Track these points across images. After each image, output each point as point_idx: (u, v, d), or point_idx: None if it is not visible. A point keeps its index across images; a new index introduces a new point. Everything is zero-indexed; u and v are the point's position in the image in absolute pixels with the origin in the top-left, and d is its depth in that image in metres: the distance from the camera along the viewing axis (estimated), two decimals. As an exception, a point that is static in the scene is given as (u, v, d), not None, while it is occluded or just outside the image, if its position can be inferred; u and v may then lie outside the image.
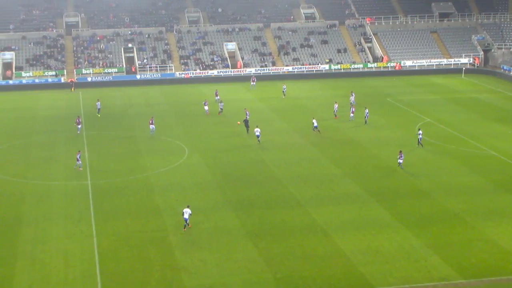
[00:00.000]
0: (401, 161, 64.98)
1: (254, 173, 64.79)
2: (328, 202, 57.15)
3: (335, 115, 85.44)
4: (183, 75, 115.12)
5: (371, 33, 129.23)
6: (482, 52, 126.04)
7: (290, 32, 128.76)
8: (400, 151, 65.47)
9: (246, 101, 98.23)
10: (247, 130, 77.74)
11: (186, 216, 50.88)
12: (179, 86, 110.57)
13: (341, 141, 75.67)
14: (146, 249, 47.92)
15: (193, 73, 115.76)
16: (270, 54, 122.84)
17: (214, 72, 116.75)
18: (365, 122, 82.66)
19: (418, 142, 71.92)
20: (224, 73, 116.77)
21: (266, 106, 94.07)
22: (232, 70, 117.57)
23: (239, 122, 71.21)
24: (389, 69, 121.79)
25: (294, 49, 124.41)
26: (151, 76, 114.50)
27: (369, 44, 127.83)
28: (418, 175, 63.94)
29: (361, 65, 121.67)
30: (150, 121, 77.52)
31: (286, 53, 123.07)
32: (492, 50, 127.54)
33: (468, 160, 68.60)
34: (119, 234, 50.43)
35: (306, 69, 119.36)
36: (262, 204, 56.46)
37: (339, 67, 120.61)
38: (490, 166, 66.57)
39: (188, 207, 51.60)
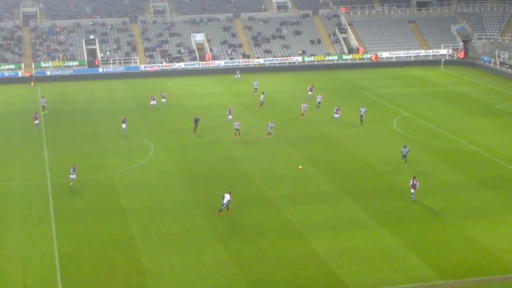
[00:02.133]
0: (413, 190, 56.85)
1: (224, 171, 64.71)
2: (302, 201, 57.26)
3: (302, 115, 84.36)
4: (148, 68, 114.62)
5: (346, 23, 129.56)
6: (461, 43, 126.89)
7: (261, 23, 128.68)
8: (414, 177, 57.31)
9: (215, 95, 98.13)
10: (195, 129, 77.56)
11: (225, 201, 53.42)
12: (144, 80, 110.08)
13: (316, 138, 75.82)
14: (110, 252, 47.68)
15: (159, 66, 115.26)
16: (240, 45, 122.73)
17: (181, 65, 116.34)
18: (361, 121, 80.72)
19: (403, 157, 65.75)
20: (192, 66, 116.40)
21: (237, 101, 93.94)
22: (200, 62, 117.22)
23: (301, 167, 63.95)
24: (365, 61, 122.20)
25: (265, 40, 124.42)
26: (114, 69, 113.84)
27: (344, 35, 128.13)
28: (396, 172, 64.29)
29: (335, 57, 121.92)
30: (123, 120, 76.95)
31: (257, 45, 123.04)
32: (472, 41, 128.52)
33: (448, 156, 69.10)
34: (81, 237, 50.10)
35: (278, 61, 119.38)
36: (233, 204, 56.32)
37: (312, 59, 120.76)
38: (470, 162, 67.12)
39: (230, 193, 54.07)
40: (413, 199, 56.21)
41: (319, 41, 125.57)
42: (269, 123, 75.21)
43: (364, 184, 61.06)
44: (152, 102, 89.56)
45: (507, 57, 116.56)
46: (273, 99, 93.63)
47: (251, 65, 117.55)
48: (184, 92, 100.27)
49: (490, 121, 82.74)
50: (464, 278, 44.27)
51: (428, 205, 55.98)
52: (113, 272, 44.85)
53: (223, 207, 53.98)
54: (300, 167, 61.28)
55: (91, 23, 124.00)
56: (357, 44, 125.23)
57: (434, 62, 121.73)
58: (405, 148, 65.58)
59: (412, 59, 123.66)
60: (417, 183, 56.20)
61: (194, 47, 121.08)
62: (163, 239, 49.71)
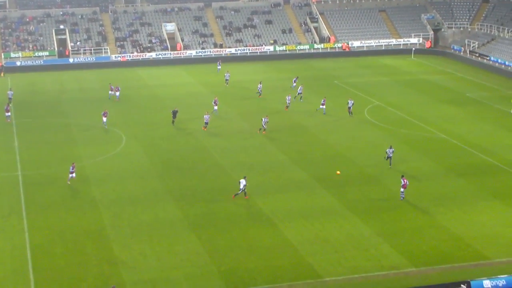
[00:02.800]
0: (403, 190, 55.34)
1: (196, 161, 64.67)
2: (274, 190, 57.40)
3: (287, 107, 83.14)
4: (119, 58, 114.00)
5: (318, 13, 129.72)
6: (432, 32, 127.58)
7: (232, 12, 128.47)
8: (403, 176, 55.91)
9: (187, 85, 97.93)
10: (173, 121, 76.36)
11: (241, 186, 54.36)
12: (115, 70, 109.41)
13: (288, 127, 75.94)
14: (82, 243, 47.51)
15: (130, 56, 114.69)
16: (211, 35, 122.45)
17: (153, 55, 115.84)
18: (350, 113, 79.47)
19: (387, 158, 62.42)
20: (163, 56, 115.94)
21: (208, 90, 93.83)
22: (172, 52, 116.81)
23: (338, 172, 60.40)
24: (337, 50, 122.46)
25: (237, 30, 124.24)
26: (85, 59, 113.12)
27: (316, 24, 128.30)
28: (368, 160, 64.60)
29: (307, 46, 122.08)
30: (103, 113, 75.71)
31: (229, 34, 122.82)
32: (442, 30, 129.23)
33: (419, 144, 69.55)
34: (52, 228, 49.87)
35: (250, 51, 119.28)
36: (205, 193, 56.41)
37: (284, 49, 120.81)
38: (441, 150, 67.61)
39: (245, 178, 54.96)
40: (402, 197, 54.78)
41: (290, 31, 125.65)
42: (263, 118, 72.87)
43: (335, 173, 61.21)
44: (110, 92, 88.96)
45: (476, 45, 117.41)
46: (245, 90, 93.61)
47: (223, 55, 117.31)
48: (156, 82, 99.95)
49: (460, 110, 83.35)
50: (435, 265, 44.65)
51: (399, 193, 56.21)
52: (85, 262, 44.69)
53: (239, 192, 54.76)
54: (338, 172, 59.21)
55: (61, 13, 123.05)
56: (328, 33, 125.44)
57: (405, 51, 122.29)
58: (390, 148, 62.38)
59: (383, 48, 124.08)
60: (407, 182, 54.79)
61: (165, 36, 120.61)
62: (135, 229, 49.61)
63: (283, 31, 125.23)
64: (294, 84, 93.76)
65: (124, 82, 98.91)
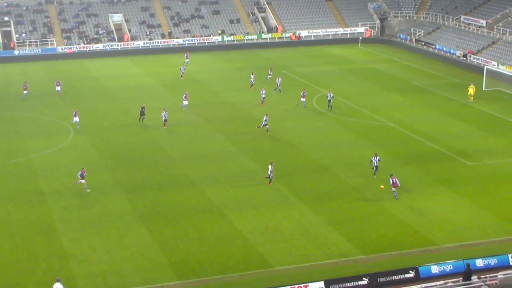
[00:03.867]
0: (394, 189, 53.67)
1: (145, 152, 64.37)
2: (224, 180, 57.43)
3: (262, 102, 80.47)
4: (65, 50, 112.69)
5: (265, 3, 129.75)
6: (378, 21, 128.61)
7: (180, 2, 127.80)
8: (392, 175, 54.28)
9: (135, 76, 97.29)
10: (140, 118, 73.71)
11: (269, 172, 55.40)
12: (62, 62, 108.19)
13: (236, 117, 75.98)
14: (30, 237, 47.01)
15: (76, 48, 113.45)
16: (159, 26, 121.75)
17: (100, 46, 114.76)
18: (329, 107, 77.88)
19: (374, 168, 57.89)
20: (110, 47, 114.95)
21: (156, 82, 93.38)
22: (119, 43, 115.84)
23: (382, 187, 55.00)
24: (284, 40, 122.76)
25: (184, 20, 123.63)
26: (30, 51, 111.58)
27: (263, 14, 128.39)
28: (317, 149, 64.98)
29: (255, 36, 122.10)
30: (74, 113, 72.11)
31: (176, 25, 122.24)
32: (388, 19, 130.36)
33: (367, 132, 70.16)
34: (0, 222, 49.20)
35: (198, 41, 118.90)
36: (155, 185, 56.22)
37: (232, 39, 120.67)
38: (389, 138, 68.31)
39: (271, 164, 55.71)
40: (396, 197, 53.27)
41: (238, 21, 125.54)
42: (265, 117, 69.47)
43: (285, 162, 61.50)
44: (58, 88, 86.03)
45: (422, 34, 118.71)
46: (193, 81, 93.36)
47: (171, 46, 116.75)
48: (103, 74, 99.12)
49: (407, 98, 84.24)
50: (384, 252, 45.17)
51: (348, 181, 56.82)
52: (34, 257, 44.23)
53: (271, 178, 55.81)
54: (381, 187, 54.96)
55: (5, 4, 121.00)
56: (276, 23, 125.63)
57: (352, 40, 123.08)
58: (376, 157, 57.89)
59: (331, 37, 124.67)
60: (396, 180, 53.29)
61: (112, 28, 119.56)
62: (84, 223, 49.23)
63: (231, 21, 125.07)
64: (270, 76, 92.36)
65: (71, 74, 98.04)
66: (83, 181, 54.33)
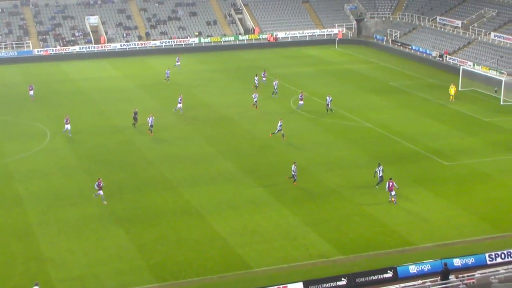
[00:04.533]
0: (393, 193, 52.89)
1: (122, 155, 64.12)
2: (202, 182, 57.33)
3: (256, 106, 79.52)
4: (42, 52, 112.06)
5: (242, 4, 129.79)
6: (354, 22, 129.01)
7: (156, 4, 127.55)
8: (390, 179, 53.43)
9: (112, 78, 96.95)
10: (134, 124, 72.42)
11: (293, 169, 55.72)
12: (38, 64, 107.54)
13: (214, 118, 75.90)
14: (7, 241, 46.67)
15: (53, 50, 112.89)
16: (136, 27, 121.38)
17: (76, 48, 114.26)
18: (328, 109, 77.49)
19: (379, 178, 55.56)
20: (87, 49, 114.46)
21: (133, 84, 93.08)
22: (96, 45, 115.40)
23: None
24: (262, 41, 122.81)
25: (161, 22, 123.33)
26: (6, 54, 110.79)
27: (240, 16, 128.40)
28: (295, 150, 65.01)
29: (232, 38, 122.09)
30: (66, 120, 70.15)
31: (153, 27, 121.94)
32: (365, 20, 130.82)
33: (344, 133, 70.32)
34: (-23, 227, 48.92)
35: (175, 43, 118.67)
36: (133, 187, 56.02)
37: (209, 40, 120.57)
38: (366, 139, 68.49)
39: (294, 163, 56.04)
40: (394, 202, 52.37)
41: (215, 22, 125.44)
42: (279, 122, 67.87)
43: (263, 163, 61.53)
44: (31, 93, 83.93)
45: (398, 35, 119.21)
46: (171, 82, 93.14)
47: (148, 47, 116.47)
48: (80, 76, 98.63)
49: (384, 98, 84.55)
50: (362, 252, 45.24)
51: (326, 182, 56.90)
52: (11, 261, 43.91)
53: (295, 177, 55.95)
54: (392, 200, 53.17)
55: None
56: (253, 25, 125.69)
57: (329, 41, 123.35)
58: (379, 166, 55.88)
59: (308, 38, 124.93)
60: (393, 184, 52.39)
61: (89, 30, 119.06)
62: (62, 226, 48.94)
63: (208, 23, 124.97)
64: (264, 78, 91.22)
65: (47, 77, 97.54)
66: (101, 192, 52.51)
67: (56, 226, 48.90)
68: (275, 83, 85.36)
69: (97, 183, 52.59)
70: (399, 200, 53.01)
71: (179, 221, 49.74)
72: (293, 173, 56.13)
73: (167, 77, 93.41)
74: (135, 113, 72.21)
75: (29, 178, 58.24)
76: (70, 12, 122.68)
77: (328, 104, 77.76)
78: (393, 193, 52.69)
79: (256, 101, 79.30)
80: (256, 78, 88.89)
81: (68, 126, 69.19)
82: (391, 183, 52.62)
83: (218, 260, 44.28)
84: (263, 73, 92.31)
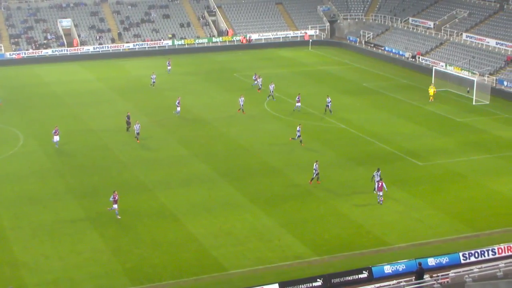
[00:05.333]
0: (381, 193, 53.15)
1: (97, 158, 63.81)
2: (177, 184, 57.23)
3: (242, 110, 78.53)
4: (14, 56, 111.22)
5: (215, 6, 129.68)
6: (328, 23, 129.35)
7: (129, 7, 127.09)
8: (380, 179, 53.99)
9: (86, 81, 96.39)
10: (127, 128, 71.61)
11: (315, 167, 56.15)
12: (10, 68, 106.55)
13: (189, 120, 75.75)
14: (-20, 246, 46.36)
15: (25, 53, 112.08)
16: (109, 30, 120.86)
17: (49, 52, 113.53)
18: (328, 111, 77.68)
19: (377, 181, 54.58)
20: (60, 52, 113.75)
21: (107, 86, 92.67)
22: (68, 48, 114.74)
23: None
24: (235, 43, 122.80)
25: (134, 25, 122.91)
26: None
27: (213, 18, 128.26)
28: (269, 152, 65.05)
29: (205, 40, 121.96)
30: (54, 131, 66.55)
31: (126, 29, 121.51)
32: (338, 21, 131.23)
33: (318, 134, 70.48)
34: (-51, 232, 48.45)
35: (148, 46, 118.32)
36: (107, 190, 55.57)
37: (182, 43, 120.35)
38: (340, 140, 68.72)
39: (316, 162, 56.45)
40: (381, 202, 52.74)
41: (188, 24, 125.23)
42: (298, 127, 67.28)
43: (238, 165, 61.55)
44: None
45: (371, 36, 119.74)
46: (144, 85, 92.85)
47: (121, 50, 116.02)
48: (53, 79, 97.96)
49: (357, 99, 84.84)
50: (338, 253, 45.39)
51: (300, 183, 57.00)
52: (-15, 266, 43.65)
53: (314, 176, 56.21)
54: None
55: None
56: (227, 27, 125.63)
57: (302, 43, 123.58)
58: (378, 171, 55.28)
59: (281, 40, 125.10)
60: (382, 185, 52.67)
61: (62, 33, 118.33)
62: (36, 230, 48.60)
63: (181, 25, 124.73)
64: (255, 82, 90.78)
65: (20, 80, 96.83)
66: (116, 206, 50.53)
67: (30, 230, 48.56)
68: (271, 87, 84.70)
69: (112, 196, 50.56)
70: (374, 200, 53.28)
71: (154, 223, 49.59)
72: (315, 171, 56.41)
73: (153, 82, 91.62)
74: (128, 117, 71.60)
75: (2, 182, 57.74)
76: (42, 15, 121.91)
77: (327, 105, 77.97)
78: (380, 193, 52.82)
79: (242, 105, 78.41)
80: (260, 79, 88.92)
81: (56, 138, 66.15)
82: (380, 184, 52.81)
83: (193, 262, 44.23)
84: (254, 76, 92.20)
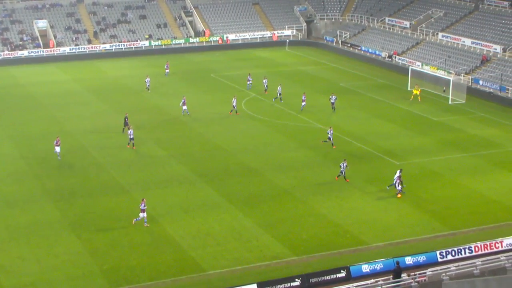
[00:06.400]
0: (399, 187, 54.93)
1: (73, 160, 63.47)
2: (154, 186, 57.05)
3: (236, 111, 78.17)
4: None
5: (192, 7, 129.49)
6: (304, 24, 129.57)
7: (105, 8, 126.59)
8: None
9: (62, 83, 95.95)
10: (124, 129, 70.66)
11: (342, 168, 56.69)
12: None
13: (166, 121, 75.58)
14: (-44, 249, 45.96)
15: (0, 55, 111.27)
16: (85, 31, 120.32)
17: (25, 53, 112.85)
18: (333, 109, 78.92)
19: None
20: (36, 54, 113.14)
21: (83, 88, 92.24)
22: (45, 50, 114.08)
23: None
24: (212, 44, 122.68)
25: (111, 26, 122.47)
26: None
27: (190, 18, 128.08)
28: (246, 152, 65.06)
29: (182, 40, 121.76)
30: (56, 142, 63.77)
31: (103, 30, 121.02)
32: (315, 21, 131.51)
33: (295, 134, 70.55)
34: None
35: (125, 46, 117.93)
36: (84, 192, 55.50)
37: (159, 43, 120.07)
38: (317, 140, 68.69)
39: (344, 160, 57.17)
40: (400, 190, 54.73)
41: (165, 25, 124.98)
42: (329, 130, 66.67)
43: (215, 166, 61.45)
44: None
45: (348, 36, 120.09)
46: (121, 86, 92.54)
47: (97, 51, 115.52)
48: (29, 81, 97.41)
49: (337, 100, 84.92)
50: (316, 253, 45.45)
51: (278, 183, 57.04)
52: (-39, 269, 43.27)
53: (340, 174, 56.90)
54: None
55: None
56: (203, 27, 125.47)
57: (279, 43, 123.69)
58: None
59: (258, 40, 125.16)
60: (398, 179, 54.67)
61: (37, 34, 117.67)
62: (12, 232, 48.23)
63: (158, 26, 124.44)
64: (249, 82, 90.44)
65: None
66: (143, 214, 49.19)
67: (6, 233, 48.20)
68: (279, 89, 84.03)
69: (142, 204, 49.20)
70: (352, 199, 53.57)
71: (132, 225, 49.38)
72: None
73: (148, 86, 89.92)
74: (126, 118, 70.94)
75: (-22, 185, 57.42)
76: (18, 16, 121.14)
77: (333, 103, 78.68)
78: (399, 187, 54.68)
79: (234, 106, 77.77)
80: (265, 81, 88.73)
81: (57, 149, 63.35)
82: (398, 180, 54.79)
83: (172, 263, 44.11)
84: (248, 76, 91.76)
